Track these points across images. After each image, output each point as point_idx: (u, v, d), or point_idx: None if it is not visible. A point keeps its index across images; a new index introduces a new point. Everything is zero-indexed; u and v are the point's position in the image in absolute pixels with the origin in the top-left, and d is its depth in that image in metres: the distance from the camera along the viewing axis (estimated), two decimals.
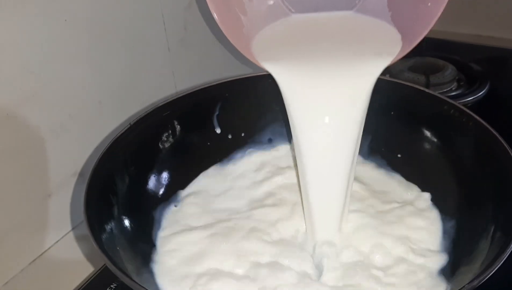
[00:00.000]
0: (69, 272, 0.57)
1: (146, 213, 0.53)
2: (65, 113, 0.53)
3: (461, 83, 0.78)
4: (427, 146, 0.57)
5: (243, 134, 0.62)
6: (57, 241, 0.57)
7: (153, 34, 0.62)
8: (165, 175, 0.56)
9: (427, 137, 0.57)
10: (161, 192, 0.56)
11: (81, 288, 0.54)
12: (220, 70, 0.70)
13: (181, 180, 0.58)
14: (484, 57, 0.86)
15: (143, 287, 0.37)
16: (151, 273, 0.48)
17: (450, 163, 0.54)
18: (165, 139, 0.56)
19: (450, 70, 0.77)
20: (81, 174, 0.56)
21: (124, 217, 0.49)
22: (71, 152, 0.55)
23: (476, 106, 0.74)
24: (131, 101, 0.60)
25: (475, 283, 0.36)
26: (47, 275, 0.56)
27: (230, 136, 0.61)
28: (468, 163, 0.52)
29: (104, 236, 0.44)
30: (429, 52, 0.82)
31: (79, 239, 0.58)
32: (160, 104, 0.56)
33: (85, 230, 0.41)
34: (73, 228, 0.58)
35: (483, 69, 0.80)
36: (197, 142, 0.59)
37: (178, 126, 0.57)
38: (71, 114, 0.54)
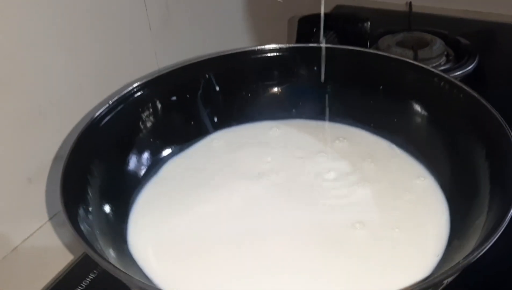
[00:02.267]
0: (49, 261, 0.55)
1: (126, 196, 0.51)
2: (44, 97, 0.51)
3: (450, 58, 0.77)
4: (417, 120, 0.56)
5: (227, 112, 0.60)
6: (38, 228, 0.55)
7: (133, 13, 0.59)
8: (146, 156, 0.55)
9: (417, 111, 0.56)
10: (142, 173, 0.54)
11: (61, 277, 0.52)
12: (203, 49, 0.67)
13: (163, 160, 0.56)
14: (472, 31, 0.84)
15: (125, 272, 0.35)
16: (133, 257, 0.46)
17: (442, 137, 0.53)
18: (146, 118, 0.55)
19: (438, 45, 0.76)
20: (61, 158, 0.54)
21: (103, 200, 0.47)
22: (52, 137, 0.53)
23: (465, 81, 0.71)
24: (112, 83, 0.57)
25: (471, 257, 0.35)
26: (28, 264, 0.54)
27: (215, 116, 0.60)
28: (460, 136, 0.50)
29: (82, 222, 0.42)
30: (417, 27, 0.81)
31: (59, 226, 0.56)
32: (141, 82, 0.54)
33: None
34: (54, 215, 0.56)
35: (472, 43, 0.78)
36: (180, 121, 0.58)
37: (160, 105, 0.56)
38: (50, 98, 0.51)
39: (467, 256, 0.36)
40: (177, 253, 0.46)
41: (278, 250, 0.45)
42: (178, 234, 0.48)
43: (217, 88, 0.59)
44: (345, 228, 0.47)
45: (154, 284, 0.43)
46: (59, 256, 0.56)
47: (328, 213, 0.49)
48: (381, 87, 0.58)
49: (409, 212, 0.48)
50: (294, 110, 0.62)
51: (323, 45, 0.58)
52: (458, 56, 0.77)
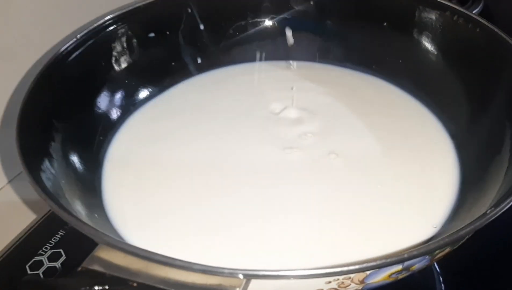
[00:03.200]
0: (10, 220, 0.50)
1: (98, 144, 0.46)
2: (9, 36, 0.47)
3: (453, 1, 0.71)
4: (426, 60, 0.50)
5: (212, 52, 0.55)
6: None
7: None
8: (119, 97, 0.49)
9: (426, 50, 0.51)
10: (115, 116, 0.49)
11: (23, 239, 0.46)
12: None
13: (139, 103, 0.51)
14: None
15: (97, 229, 0.30)
16: (107, 214, 0.41)
17: (456, 79, 0.47)
18: (120, 56, 0.50)
19: None
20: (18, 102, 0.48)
21: (71, 150, 0.42)
22: (8, 76, 0.49)
23: None
24: (81, 15, 0.52)
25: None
26: None
27: (198, 57, 0.55)
28: (477, 78, 0.45)
29: (46, 175, 0.37)
30: None
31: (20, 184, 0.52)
32: (114, 15, 0.49)
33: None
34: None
35: None
36: (159, 61, 0.53)
37: (135, 41, 0.50)
38: (14, 36, 0.47)
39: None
40: (157, 207, 0.41)
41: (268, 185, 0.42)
42: (157, 186, 0.43)
43: (201, 25, 0.54)
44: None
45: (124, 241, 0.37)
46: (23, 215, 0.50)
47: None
48: (385, 24, 0.53)
49: (419, 162, 0.44)
50: (286, 50, 0.57)
51: None
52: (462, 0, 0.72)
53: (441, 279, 0.42)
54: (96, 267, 0.28)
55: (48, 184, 0.35)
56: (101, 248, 0.29)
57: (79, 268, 0.28)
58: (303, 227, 0.39)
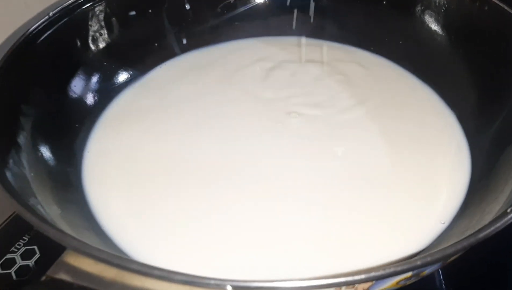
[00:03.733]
0: None
1: (73, 133, 0.42)
2: None
3: None
4: (429, 41, 0.47)
5: (199, 32, 0.52)
6: None
7: None
8: (95, 81, 0.46)
9: (429, 30, 0.47)
10: (91, 102, 0.45)
11: None
12: None
13: (119, 88, 0.47)
14: None
15: (62, 231, 0.26)
16: (85, 209, 0.38)
17: (463, 56, 0.44)
18: (98, 35, 0.46)
19: None
20: None
21: (42, 141, 0.38)
22: None
23: None
24: None
25: None
26: None
27: (183, 37, 0.51)
28: (484, 54, 0.42)
29: (12, 170, 0.33)
30: None
31: None
32: None
33: None
34: None
35: None
36: (141, 42, 0.49)
37: (115, 20, 0.47)
38: None
39: None
40: (146, 203, 0.38)
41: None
42: (145, 181, 0.40)
43: (187, 4, 0.51)
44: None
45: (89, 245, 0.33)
46: None
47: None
48: (384, 2, 0.50)
49: (426, 152, 0.41)
50: (278, 27, 0.53)
51: None
52: None
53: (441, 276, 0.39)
54: (63, 276, 0.24)
55: (13, 178, 0.32)
56: (69, 254, 0.25)
57: (43, 278, 0.24)
58: (303, 227, 0.36)
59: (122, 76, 0.47)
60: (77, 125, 0.42)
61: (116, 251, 0.33)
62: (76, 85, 0.44)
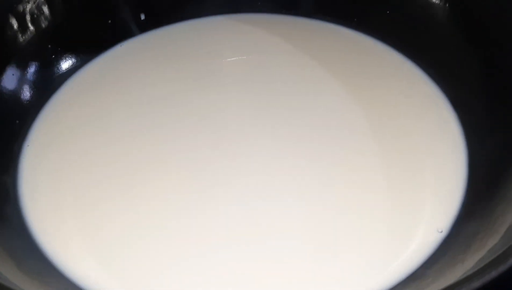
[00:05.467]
0: None
1: (7, 134, 0.38)
2: None
3: None
4: (425, 9, 0.42)
5: (159, 7, 0.47)
6: None
7: None
8: (33, 70, 0.41)
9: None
10: (28, 96, 0.41)
11: None
12: None
13: (62, 77, 0.43)
14: None
15: None
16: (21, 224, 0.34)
17: (462, 34, 0.40)
18: (35, 13, 0.41)
19: None
20: None
21: None
22: None
23: None
24: None
25: None
26: None
27: (141, 13, 0.46)
28: (488, 32, 0.38)
29: None
30: None
31: None
32: None
33: None
34: None
35: None
36: (90, 19, 0.44)
37: None
38: None
39: None
40: (93, 216, 0.34)
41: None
42: (92, 187, 0.36)
43: None
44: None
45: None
46: None
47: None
48: None
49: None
50: (249, 2, 0.49)
51: None
52: None
53: None
54: None
55: None
56: None
57: None
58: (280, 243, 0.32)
59: (66, 63, 0.43)
60: (12, 126, 0.38)
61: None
62: (6, 78, 0.39)
